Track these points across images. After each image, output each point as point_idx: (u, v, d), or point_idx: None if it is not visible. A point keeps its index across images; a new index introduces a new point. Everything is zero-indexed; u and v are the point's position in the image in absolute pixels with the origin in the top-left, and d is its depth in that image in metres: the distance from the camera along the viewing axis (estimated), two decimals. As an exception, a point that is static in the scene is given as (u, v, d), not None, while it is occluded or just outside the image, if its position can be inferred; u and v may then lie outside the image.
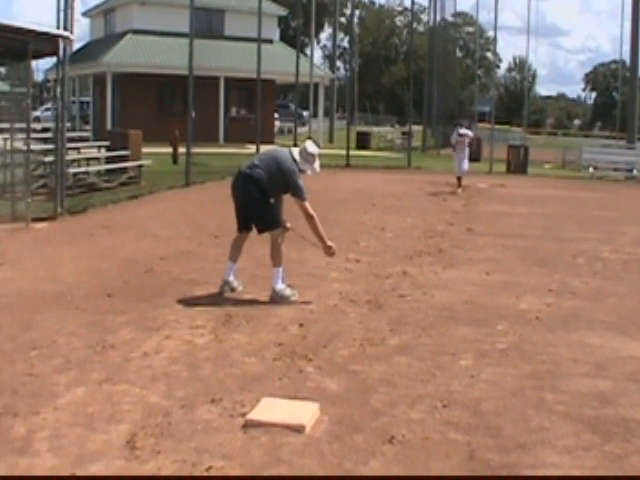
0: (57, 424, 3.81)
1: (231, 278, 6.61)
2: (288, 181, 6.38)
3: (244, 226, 6.60)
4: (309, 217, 6.40)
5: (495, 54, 50.28)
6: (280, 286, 6.40)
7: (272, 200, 6.51)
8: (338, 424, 3.89)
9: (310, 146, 6.59)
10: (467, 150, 17.01)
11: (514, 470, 3.46)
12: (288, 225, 6.60)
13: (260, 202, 6.40)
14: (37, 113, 31.14)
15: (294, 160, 6.47)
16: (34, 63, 22.48)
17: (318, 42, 66.55)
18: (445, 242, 9.74)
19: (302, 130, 30.30)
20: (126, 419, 3.89)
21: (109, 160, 16.07)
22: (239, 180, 6.50)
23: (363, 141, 32.08)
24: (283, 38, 39.76)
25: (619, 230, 11.52)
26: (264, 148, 20.70)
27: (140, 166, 16.07)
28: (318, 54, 66.38)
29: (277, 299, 6.34)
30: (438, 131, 36.47)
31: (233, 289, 6.60)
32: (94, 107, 35.36)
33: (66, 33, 10.92)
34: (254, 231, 6.62)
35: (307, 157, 6.51)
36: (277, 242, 6.43)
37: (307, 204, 6.37)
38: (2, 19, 9.50)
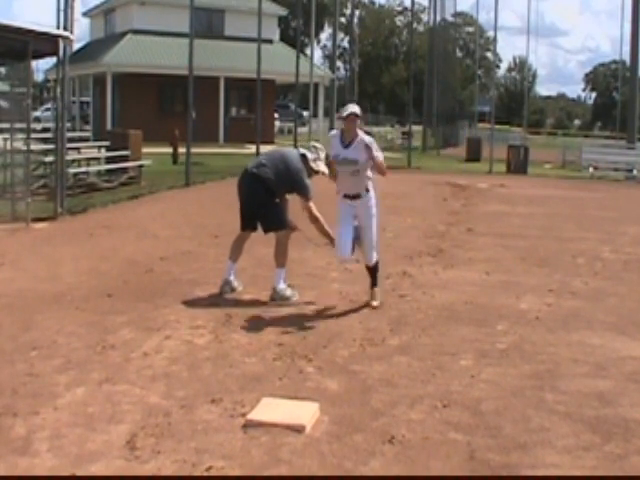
0: (57, 424, 3.81)
1: (232, 278, 6.61)
2: (295, 180, 6.36)
3: (248, 225, 6.56)
4: (314, 219, 6.38)
5: (495, 54, 50.30)
6: (282, 286, 6.40)
7: (277, 200, 6.50)
8: (338, 424, 3.90)
9: (317, 144, 6.68)
10: (372, 192, 6.23)
11: (514, 470, 3.46)
12: (295, 226, 6.58)
13: (266, 201, 6.38)
14: (37, 113, 31.15)
15: (303, 159, 6.45)
16: (34, 63, 22.49)
17: (318, 42, 66.55)
18: (445, 242, 9.74)
19: (302, 130, 30.29)
20: (126, 419, 3.89)
21: (109, 160, 16.07)
22: (245, 178, 6.48)
23: (363, 141, 32.03)
24: (283, 38, 39.74)
25: (619, 230, 11.52)
26: (264, 148, 20.74)
27: (140, 166, 16.07)
28: (318, 54, 66.41)
29: (278, 299, 6.34)
30: (438, 131, 36.52)
31: (233, 289, 6.60)
32: (94, 107, 35.37)
33: (66, 33, 10.92)
34: (256, 231, 6.60)
35: (317, 154, 6.52)
36: (283, 243, 6.41)
37: (312, 204, 6.34)
38: (2, 19, 9.50)
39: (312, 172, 6.52)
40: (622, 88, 49.82)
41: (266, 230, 6.51)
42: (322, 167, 6.56)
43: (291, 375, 4.60)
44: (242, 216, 6.57)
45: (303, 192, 6.36)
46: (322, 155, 6.58)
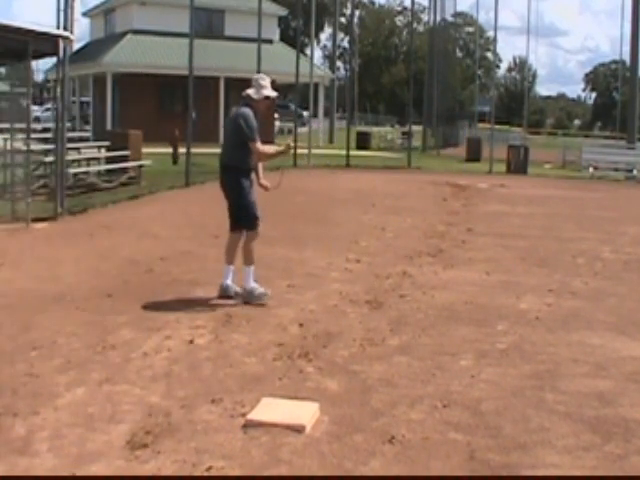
0: (57, 424, 3.81)
1: (229, 282, 6.49)
2: (238, 127, 6.17)
3: (233, 224, 6.41)
4: (262, 156, 6.32)
5: (495, 54, 50.31)
6: (251, 285, 6.26)
7: (249, 188, 6.28)
8: (338, 424, 3.90)
9: (258, 74, 6.48)
10: None
11: (514, 470, 3.46)
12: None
13: (236, 191, 6.24)
14: (36, 109, 31.07)
15: (248, 100, 6.28)
16: (34, 63, 22.49)
17: (318, 42, 66.65)
18: (445, 242, 9.73)
19: (302, 130, 30.29)
20: (126, 419, 3.89)
21: (109, 160, 16.07)
22: (221, 173, 6.43)
23: (363, 141, 32.10)
24: (283, 38, 39.77)
25: (619, 230, 11.52)
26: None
27: (140, 166, 16.08)
28: (318, 54, 66.49)
29: (249, 299, 6.22)
30: (438, 131, 36.53)
31: (230, 296, 6.37)
32: (94, 107, 35.38)
33: (66, 33, 10.92)
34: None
35: (258, 83, 6.30)
36: (250, 241, 6.29)
37: (258, 145, 6.16)
38: (2, 19, 9.50)
39: (260, 105, 6.29)
40: (622, 88, 49.86)
41: (237, 225, 6.38)
42: (266, 92, 6.28)
43: (291, 375, 4.59)
44: (229, 214, 6.46)
45: (246, 136, 6.14)
46: (263, 82, 6.29)
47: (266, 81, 6.35)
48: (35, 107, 30.99)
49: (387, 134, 38.70)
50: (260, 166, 6.60)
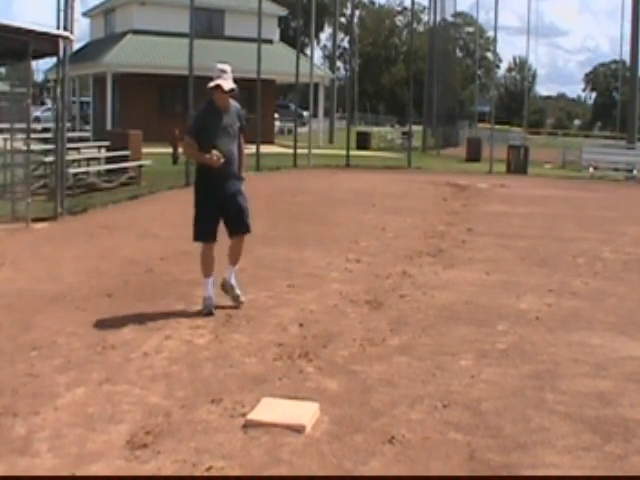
0: (57, 424, 3.81)
1: (233, 282, 6.44)
2: None
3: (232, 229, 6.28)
4: (184, 148, 6.39)
5: (495, 54, 50.33)
6: (204, 294, 6.07)
7: (205, 198, 6.04)
8: (338, 424, 3.90)
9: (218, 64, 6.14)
10: None
11: (514, 470, 3.46)
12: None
13: (195, 199, 6.10)
14: (37, 109, 30.98)
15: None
16: (34, 63, 22.49)
17: (318, 42, 66.62)
18: (445, 242, 9.73)
19: (302, 130, 30.28)
20: (126, 419, 3.89)
21: (109, 160, 16.08)
22: None
23: (363, 141, 32.09)
24: (283, 38, 39.76)
25: (619, 230, 11.51)
26: (264, 148, 20.73)
27: (140, 166, 16.08)
28: (318, 54, 66.46)
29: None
30: (438, 131, 36.53)
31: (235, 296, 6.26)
32: (94, 107, 35.38)
33: (66, 33, 10.93)
34: (251, 233, 6.45)
35: (217, 73, 6.02)
36: (202, 252, 6.13)
37: (186, 139, 6.14)
38: (2, 19, 9.50)
39: (216, 97, 6.06)
40: (622, 88, 49.86)
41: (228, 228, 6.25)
42: (213, 82, 5.96)
43: (291, 375, 4.60)
44: None
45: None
46: (215, 73, 5.98)
47: (220, 70, 5.98)
48: (37, 109, 30.97)
49: (387, 134, 38.67)
50: (243, 160, 6.38)
